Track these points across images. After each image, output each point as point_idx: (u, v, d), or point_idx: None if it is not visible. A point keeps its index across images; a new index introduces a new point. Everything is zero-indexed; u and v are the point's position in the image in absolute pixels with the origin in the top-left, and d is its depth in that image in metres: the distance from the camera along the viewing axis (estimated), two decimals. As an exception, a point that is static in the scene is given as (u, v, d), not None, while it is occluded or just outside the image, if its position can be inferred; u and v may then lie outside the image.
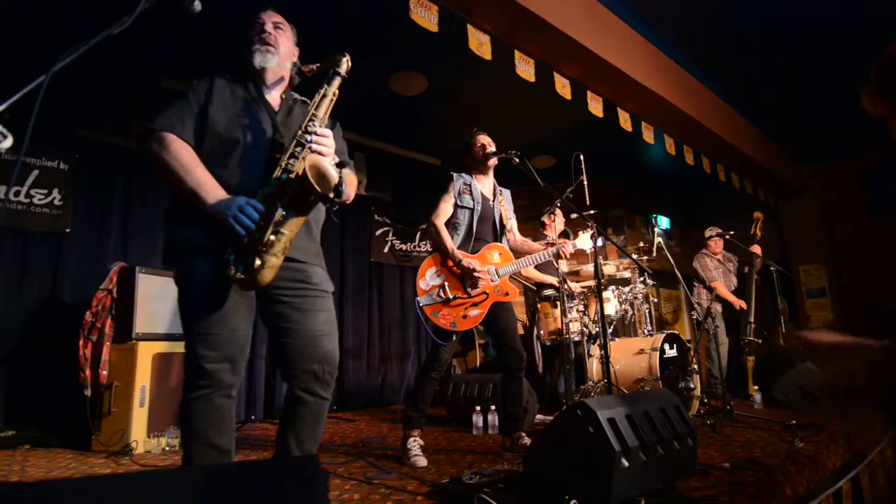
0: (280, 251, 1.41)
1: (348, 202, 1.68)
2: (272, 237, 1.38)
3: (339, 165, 1.48)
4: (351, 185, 1.66)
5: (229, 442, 1.48)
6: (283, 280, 1.50)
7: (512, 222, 2.85)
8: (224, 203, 1.41)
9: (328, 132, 1.53)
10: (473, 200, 2.66)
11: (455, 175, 2.70)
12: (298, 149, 1.48)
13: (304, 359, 1.54)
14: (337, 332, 1.65)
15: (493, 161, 2.74)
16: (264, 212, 1.40)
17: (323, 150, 1.49)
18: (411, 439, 2.52)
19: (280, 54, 1.64)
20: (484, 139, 2.77)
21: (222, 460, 1.44)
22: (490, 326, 2.67)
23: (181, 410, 1.45)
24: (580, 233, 2.89)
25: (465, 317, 2.52)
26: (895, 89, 0.78)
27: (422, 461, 2.41)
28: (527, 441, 2.64)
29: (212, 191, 1.43)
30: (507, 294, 2.62)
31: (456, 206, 2.64)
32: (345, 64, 1.58)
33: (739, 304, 4.61)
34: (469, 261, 2.54)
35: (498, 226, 2.74)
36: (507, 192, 2.89)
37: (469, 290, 2.54)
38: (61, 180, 3.67)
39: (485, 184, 2.77)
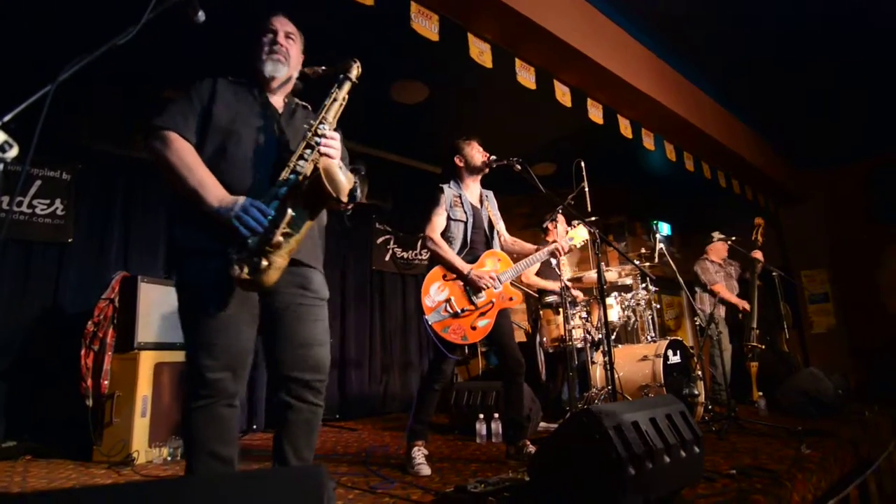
0: (287, 252, 1.40)
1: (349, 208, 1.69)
2: (280, 238, 1.37)
3: (353, 172, 1.49)
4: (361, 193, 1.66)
5: (232, 451, 1.46)
6: (283, 285, 1.48)
7: (500, 224, 2.82)
8: (227, 203, 1.40)
9: (337, 135, 1.53)
10: (465, 212, 2.63)
11: (444, 187, 2.66)
12: (308, 151, 1.47)
13: (297, 367, 1.52)
14: (329, 340, 1.62)
15: (484, 169, 2.71)
16: (275, 212, 1.39)
17: (331, 153, 1.49)
18: (415, 448, 2.50)
19: (290, 65, 1.66)
20: (479, 148, 2.73)
21: (225, 470, 1.42)
22: (490, 337, 2.64)
23: (183, 420, 1.43)
24: (574, 225, 2.87)
25: (474, 328, 2.49)
26: None
27: (426, 469, 2.39)
28: (531, 449, 2.62)
29: (213, 190, 1.42)
30: (511, 300, 2.61)
31: (449, 219, 2.60)
32: (355, 69, 1.59)
33: (742, 304, 4.59)
34: (476, 270, 2.52)
35: (489, 232, 2.73)
36: (490, 194, 2.86)
37: (475, 300, 2.51)
38: (63, 191, 3.69)
39: (472, 191, 2.74)
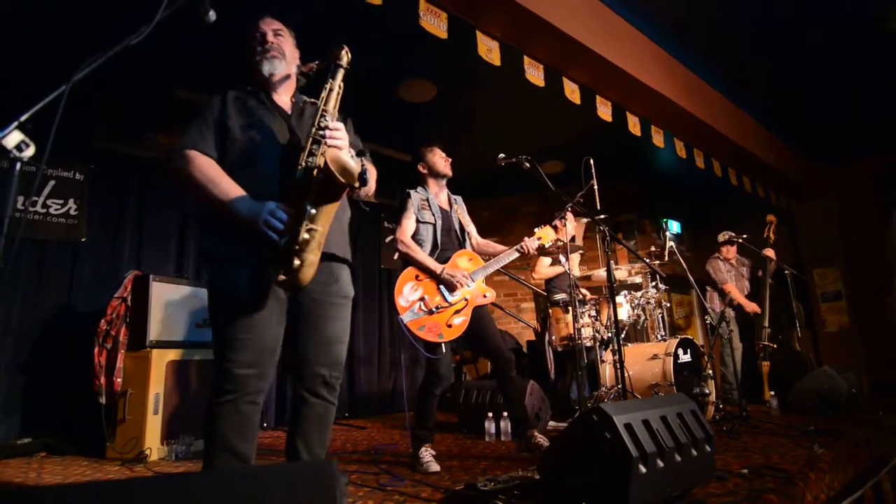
0: (316, 247, 1.44)
1: (369, 194, 1.71)
2: (306, 235, 1.40)
3: (358, 155, 1.52)
4: (371, 175, 1.68)
5: (251, 449, 1.48)
6: (315, 283, 1.52)
7: (471, 227, 2.87)
8: (254, 210, 1.43)
9: (340, 125, 1.54)
10: (433, 214, 2.68)
11: (411, 192, 2.72)
12: (315, 146, 1.50)
13: (316, 363, 1.56)
14: (348, 338, 1.67)
15: (448, 174, 2.77)
16: (294, 211, 1.42)
17: (338, 143, 1.50)
18: (423, 450, 2.52)
19: (286, 59, 1.68)
20: (441, 154, 2.78)
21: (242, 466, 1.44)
22: (471, 334, 2.65)
23: (206, 414, 1.45)
24: (539, 228, 2.87)
25: (450, 326, 2.51)
26: None
27: (434, 466, 2.41)
28: (539, 439, 2.63)
29: (239, 199, 1.46)
30: (485, 296, 2.64)
31: (417, 221, 2.66)
32: (345, 55, 1.58)
33: (751, 307, 4.55)
34: (450, 269, 2.56)
35: (460, 234, 2.78)
36: (460, 199, 2.93)
37: (449, 298, 2.54)
38: (77, 190, 3.73)
39: (440, 196, 2.80)
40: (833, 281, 6.72)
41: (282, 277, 1.41)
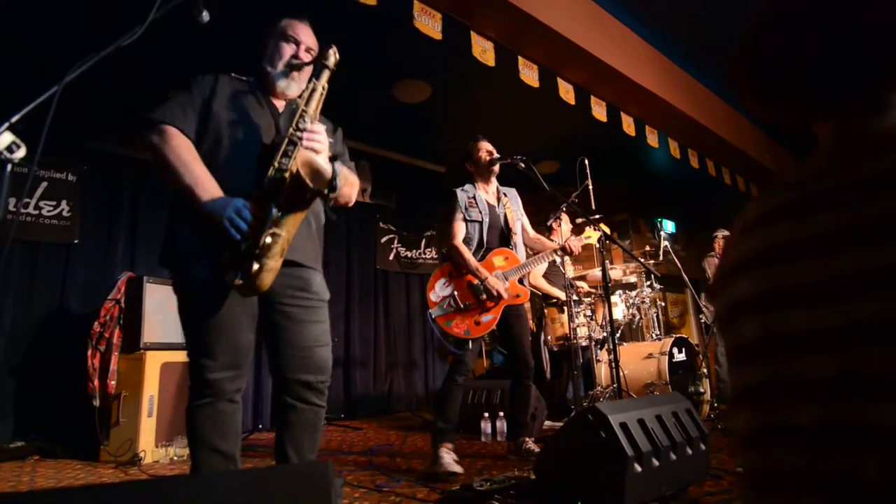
0: (278, 253, 1.36)
1: (348, 204, 1.66)
2: (268, 240, 1.32)
3: (332, 159, 1.43)
4: (351, 184, 1.62)
5: (234, 447, 1.46)
6: (283, 287, 1.48)
7: (522, 221, 2.81)
8: (220, 204, 1.36)
9: (320, 127, 1.48)
10: (481, 213, 2.64)
11: (458, 191, 2.67)
12: (291, 147, 1.43)
13: (299, 369, 1.51)
14: (330, 341, 1.61)
15: (497, 167, 2.72)
16: (259, 214, 1.35)
17: (315, 147, 1.44)
18: (443, 450, 2.38)
19: (303, 82, 1.60)
20: (487, 145, 2.75)
21: (227, 466, 1.43)
22: (502, 333, 2.65)
23: (186, 417, 1.45)
24: (588, 227, 2.88)
25: (478, 323, 2.49)
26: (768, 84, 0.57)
27: (456, 466, 2.30)
28: (531, 445, 2.63)
29: (209, 189, 1.39)
30: (517, 296, 2.60)
31: (465, 220, 2.61)
32: (332, 56, 1.52)
33: None
34: (494, 281, 2.52)
35: (505, 231, 2.72)
36: (512, 191, 2.85)
37: (480, 295, 2.51)
38: (69, 192, 3.71)
39: (488, 191, 2.75)
40: (826, 280, 6.77)
41: (238, 281, 1.33)
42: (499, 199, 2.76)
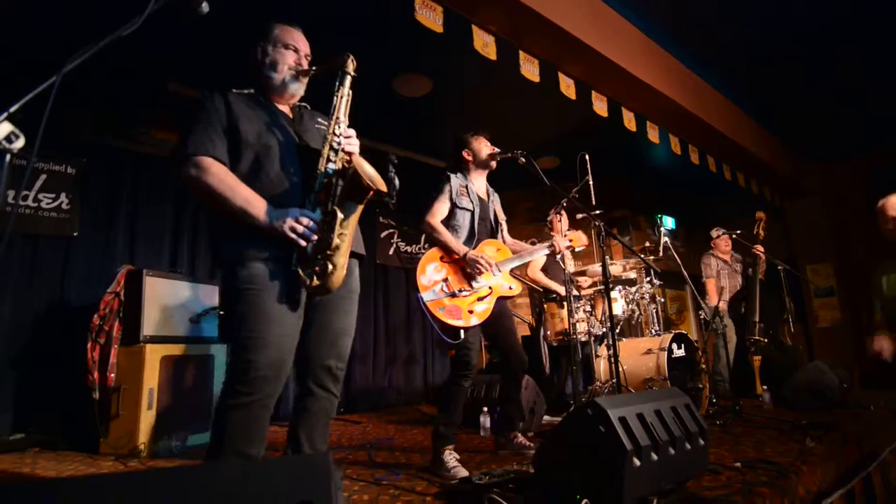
0: (346, 251, 1.50)
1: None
2: (338, 240, 1.45)
3: (389, 163, 1.67)
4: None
5: (259, 453, 1.46)
6: None
7: (503, 224, 2.82)
8: (277, 217, 1.45)
9: (352, 131, 1.60)
10: (472, 202, 2.60)
11: (451, 176, 2.61)
12: (332, 153, 1.54)
13: (324, 355, 1.60)
14: (353, 333, 1.71)
15: (494, 163, 2.69)
16: (326, 217, 1.46)
17: (354, 149, 1.56)
18: (446, 453, 2.31)
19: (304, 83, 1.72)
20: (487, 144, 2.71)
21: None
22: (492, 330, 2.62)
23: (217, 415, 1.42)
24: (571, 231, 2.89)
25: (471, 312, 2.41)
26: None
27: (462, 471, 2.21)
28: (521, 440, 2.63)
29: (261, 207, 1.47)
30: (510, 288, 2.56)
31: (455, 207, 2.55)
32: (351, 63, 1.63)
33: (718, 303, 4.54)
34: (474, 252, 2.46)
35: (494, 225, 2.72)
36: (496, 194, 2.85)
37: (474, 283, 2.45)
38: (69, 184, 3.70)
39: (479, 184, 2.72)
40: (826, 277, 6.77)
41: (316, 283, 1.45)
42: (489, 196, 2.75)
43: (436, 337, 5.69)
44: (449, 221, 2.54)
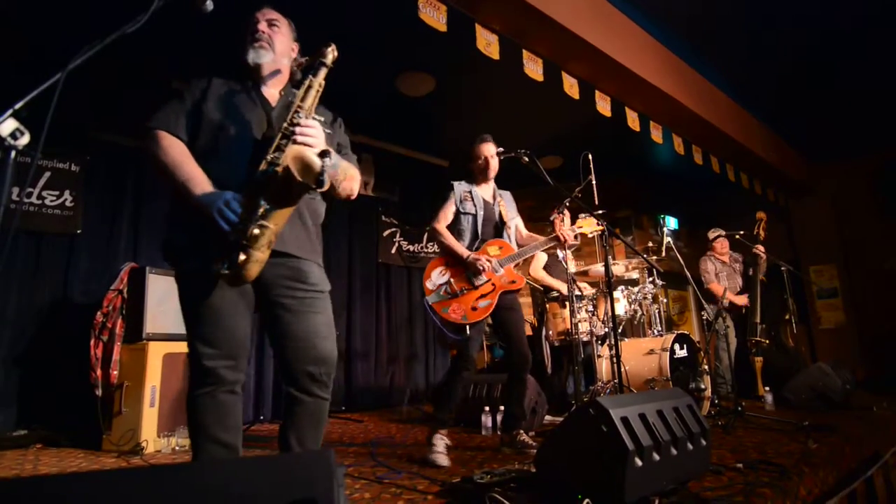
0: (265, 245, 1.39)
1: (350, 197, 1.67)
2: (256, 231, 1.35)
3: (322, 154, 1.41)
4: (351, 178, 1.63)
5: (235, 438, 1.48)
6: (279, 278, 1.50)
7: (516, 221, 2.89)
8: (210, 197, 1.41)
9: (314, 123, 1.49)
10: (476, 206, 2.73)
11: (454, 184, 2.78)
12: (284, 141, 1.45)
13: (301, 361, 1.52)
14: (334, 332, 1.61)
15: (494, 171, 2.79)
16: (246, 205, 1.38)
17: (308, 141, 1.45)
18: (437, 436, 2.52)
19: (276, 51, 1.64)
20: (487, 151, 2.76)
21: (228, 455, 1.45)
22: (499, 328, 2.72)
23: (187, 407, 1.47)
24: (581, 217, 2.87)
25: (475, 308, 2.56)
26: None
27: (443, 460, 2.39)
28: (524, 438, 2.64)
29: (201, 184, 1.44)
30: (512, 282, 2.65)
31: (459, 213, 2.72)
32: (330, 54, 1.54)
33: (741, 301, 4.54)
34: (475, 255, 2.62)
35: (500, 227, 2.81)
36: (507, 194, 2.93)
37: (475, 282, 2.58)
38: (73, 182, 3.71)
39: (485, 189, 2.84)
40: (829, 278, 6.74)
41: (225, 271, 1.37)
42: (494, 198, 2.84)
43: (436, 332, 5.70)
44: (455, 226, 2.72)
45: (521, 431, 2.69)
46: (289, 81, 1.72)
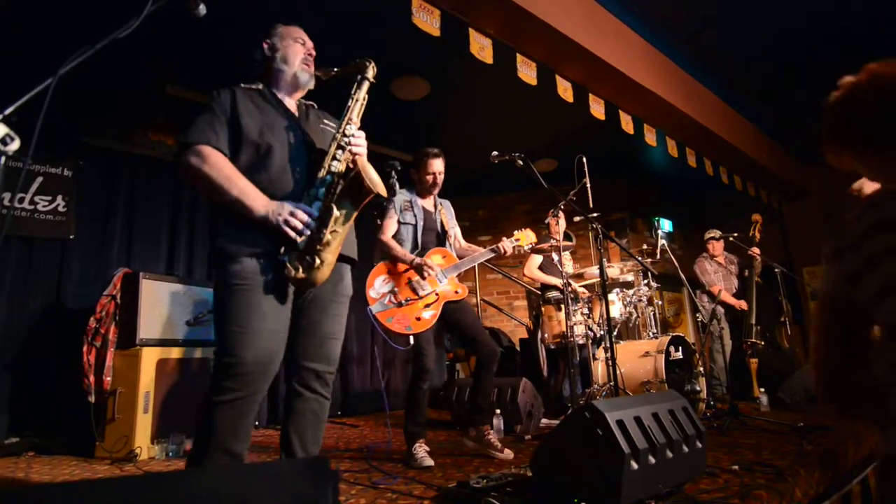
0: (336, 249, 1.51)
1: None
2: (330, 237, 1.47)
3: (390, 167, 1.70)
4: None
5: (244, 449, 1.47)
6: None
7: (455, 230, 2.91)
8: (272, 209, 1.46)
9: (362, 134, 1.63)
10: (415, 216, 2.75)
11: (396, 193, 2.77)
12: (339, 151, 1.57)
13: (310, 357, 1.59)
14: (343, 337, 1.69)
15: (439, 188, 2.82)
16: (322, 212, 1.48)
17: (362, 151, 1.60)
18: (416, 446, 2.55)
19: (312, 75, 1.76)
20: (436, 167, 2.78)
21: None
22: (456, 333, 2.74)
23: (204, 410, 1.42)
24: (519, 231, 2.91)
25: (419, 318, 2.55)
26: (849, 133, 1.04)
27: (428, 460, 2.44)
28: (492, 438, 2.63)
29: (257, 198, 1.48)
30: (456, 293, 2.68)
31: (399, 223, 2.72)
32: (371, 70, 1.71)
33: (740, 305, 4.58)
34: (420, 259, 2.62)
35: (441, 235, 2.83)
36: (447, 203, 2.96)
37: (419, 292, 2.58)
38: (65, 187, 3.68)
39: (426, 197, 2.85)
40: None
41: (301, 275, 1.45)
42: (435, 207, 2.87)
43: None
44: (395, 236, 2.71)
45: (490, 430, 2.68)
46: (303, 92, 1.78)
